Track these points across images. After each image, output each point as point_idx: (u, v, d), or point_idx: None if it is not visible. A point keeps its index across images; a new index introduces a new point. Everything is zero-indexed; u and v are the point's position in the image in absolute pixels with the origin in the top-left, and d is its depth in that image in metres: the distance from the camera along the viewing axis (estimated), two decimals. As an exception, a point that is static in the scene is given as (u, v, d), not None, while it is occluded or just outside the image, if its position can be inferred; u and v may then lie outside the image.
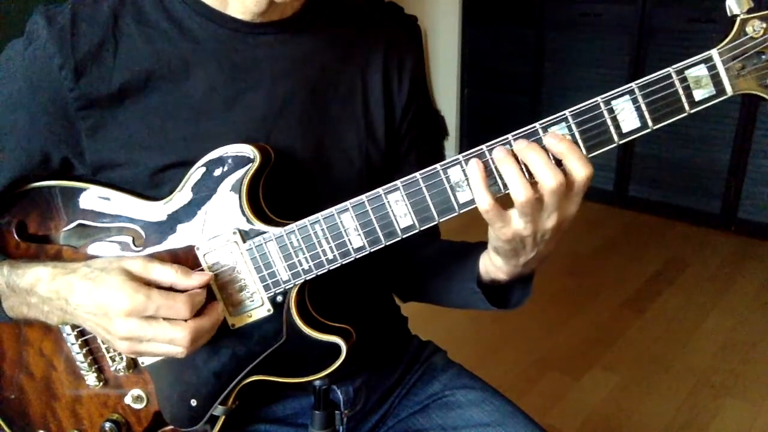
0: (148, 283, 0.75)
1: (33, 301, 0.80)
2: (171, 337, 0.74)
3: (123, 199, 0.83)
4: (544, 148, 0.71)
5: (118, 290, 0.73)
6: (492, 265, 0.84)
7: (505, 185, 0.72)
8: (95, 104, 0.80)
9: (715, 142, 3.28)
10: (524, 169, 0.71)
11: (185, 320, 0.74)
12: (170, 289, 0.76)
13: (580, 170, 0.70)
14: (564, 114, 0.71)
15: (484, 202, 0.72)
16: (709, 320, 2.66)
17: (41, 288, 0.78)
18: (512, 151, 0.71)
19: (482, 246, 0.86)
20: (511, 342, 2.48)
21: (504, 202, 0.73)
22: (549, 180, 0.69)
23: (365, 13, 0.96)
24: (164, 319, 0.73)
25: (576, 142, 0.72)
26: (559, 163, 0.71)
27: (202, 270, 0.81)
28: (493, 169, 0.73)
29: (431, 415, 1.01)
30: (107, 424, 0.88)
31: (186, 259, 0.82)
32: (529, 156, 0.70)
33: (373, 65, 0.93)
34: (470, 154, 0.73)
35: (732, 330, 2.59)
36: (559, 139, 0.70)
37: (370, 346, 0.96)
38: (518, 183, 0.70)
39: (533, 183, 0.71)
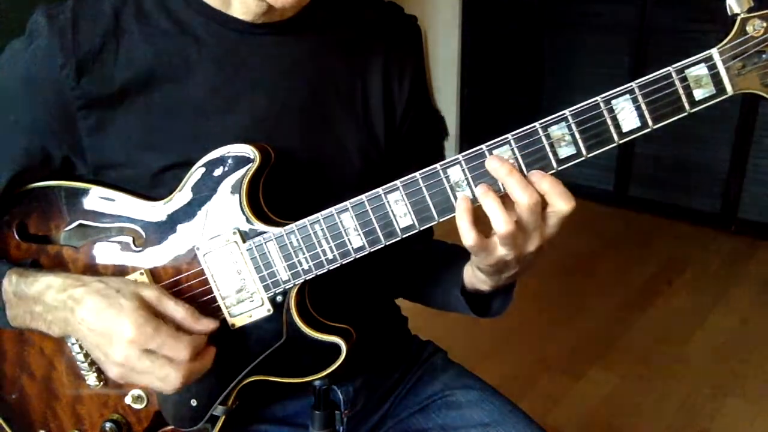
0: (158, 315, 0.75)
1: (37, 310, 0.79)
2: (165, 374, 0.73)
3: (123, 199, 0.83)
4: (519, 169, 0.72)
5: (128, 316, 0.72)
6: (475, 278, 0.86)
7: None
8: (96, 103, 0.80)
9: (715, 142, 3.28)
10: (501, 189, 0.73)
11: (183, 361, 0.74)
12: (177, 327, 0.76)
13: (563, 205, 0.72)
14: (564, 114, 0.71)
15: (470, 240, 0.74)
16: (709, 320, 2.65)
17: (49, 296, 0.78)
18: (491, 187, 0.73)
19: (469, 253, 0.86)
20: (511, 342, 2.48)
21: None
22: (524, 199, 0.71)
23: (365, 13, 0.95)
24: (163, 356, 0.73)
25: (576, 142, 0.72)
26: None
27: (205, 276, 0.81)
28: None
29: (431, 415, 1.01)
30: (107, 424, 0.87)
31: (186, 259, 0.82)
32: (503, 176, 0.72)
33: (374, 66, 0.93)
34: (470, 153, 0.73)
35: (732, 330, 2.59)
36: (541, 175, 0.72)
37: (370, 346, 0.96)
38: (499, 217, 0.72)
39: (507, 198, 0.72)
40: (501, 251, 0.75)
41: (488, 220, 0.73)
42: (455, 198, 0.74)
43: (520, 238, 0.74)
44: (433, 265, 0.98)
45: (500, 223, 0.72)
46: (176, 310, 0.76)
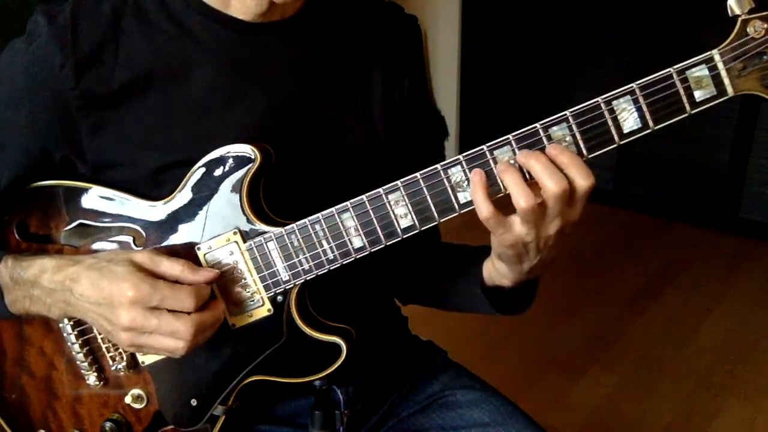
0: (155, 276, 0.75)
1: (36, 294, 0.80)
2: (174, 329, 0.73)
3: (123, 198, 0.83)
4: (546, 154, 0.71)
5: (123, 280, 0.72)
6: (496, 272, 0.85)
7: (505, 187, 0.72)
8: (96, 103, 0.80)
9: (715, 142, 3.28)
10: (527, 176, 0.72)
11: (189, 313, 0.74)
12: (175, 282, 0.76)
13: (582, 181, 0.71)
14: (564, 114, 0.71)
15: (485, 211, 0.72)
16: (709, 320, 2.65)
17: (45, 279, 0.78)
18: (512, 163, 0.72)
19: (486, 250, 0.86)
20: (511, 342, 2.48)
21: (505, 204, 0.73)
22: (552, 186, 0.70)
23: (366, 13, 0.95)
24: (168, 311, 0.73)
25: (577, 143, 0.72)
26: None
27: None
28: (493, 169, 0.73)
29: (431, 415, 1.01)
30: (107, 424, 0.88)
31: (186, 259, 0.82)
32: (532, 163, 0.71)
33: (374, 66, 0.93)
34: (470, 154, 0.73)
35: (732, 330, 2.59)
36: (560, 150, 0.71)
37: (371, 346, 0.96)
38: (520, 190, 0.71)
39: (535, 185, 0.71)
40: (521, 230, 0.74)
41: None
42: (456, 198, 0.74)
43: (541, 219, 0.73)
44: (448, 266, 0.97)
45: (521, 196, 0.70)
46: (171, 266, 0.76)
